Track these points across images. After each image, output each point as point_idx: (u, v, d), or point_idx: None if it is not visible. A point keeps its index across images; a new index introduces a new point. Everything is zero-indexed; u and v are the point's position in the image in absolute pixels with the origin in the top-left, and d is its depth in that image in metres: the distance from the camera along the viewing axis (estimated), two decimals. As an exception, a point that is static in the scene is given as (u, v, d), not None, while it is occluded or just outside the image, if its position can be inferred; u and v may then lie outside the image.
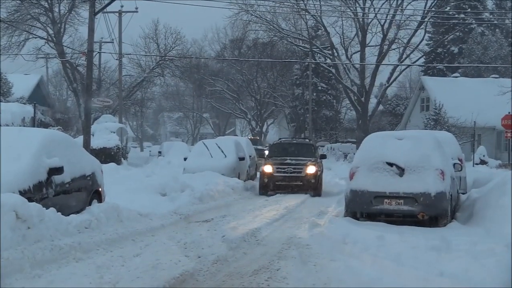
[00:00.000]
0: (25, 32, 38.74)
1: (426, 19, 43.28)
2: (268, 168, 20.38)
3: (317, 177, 20.08)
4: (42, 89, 49.34)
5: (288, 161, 20.51)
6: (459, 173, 14.63)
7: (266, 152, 27.21)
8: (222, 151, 22.45)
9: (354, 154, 23.91)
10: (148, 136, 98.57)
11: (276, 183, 20.15)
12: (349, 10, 42.33)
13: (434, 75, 50.38)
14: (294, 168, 20.14)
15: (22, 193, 8.62)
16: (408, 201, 11.07)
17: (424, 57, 49.94)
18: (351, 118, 57.12)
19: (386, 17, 41.79)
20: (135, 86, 48.14)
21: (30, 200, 8.39)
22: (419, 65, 53.37)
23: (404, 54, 42.99)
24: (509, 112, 28.21)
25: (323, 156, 23.06)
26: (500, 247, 7.93)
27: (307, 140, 25.33)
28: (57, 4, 38.95)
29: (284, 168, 20.20)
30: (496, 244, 8.13)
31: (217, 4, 47.87)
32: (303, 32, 46.23)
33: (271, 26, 44.87)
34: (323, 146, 49.16)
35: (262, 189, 20.36)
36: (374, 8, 41.70)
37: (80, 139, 23.27)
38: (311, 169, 20.05)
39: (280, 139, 24.96)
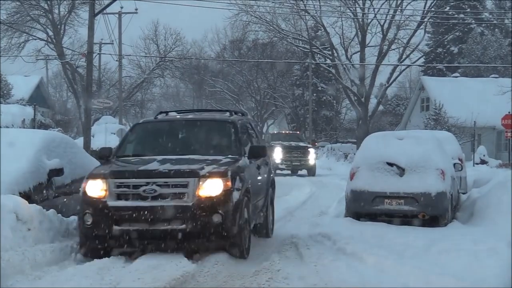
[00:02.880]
0: (25, 34, 38.78)
1: (425, 19, 43.27)
2: (93, 188, 8.30)
3: (232, 207, 8.15)
4: (42, 90, 49.41)
5: (154, 165, 8.51)
6: (460, 173, 14.61)
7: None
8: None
9: (354, 154, 23.89)
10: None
11: (116, 227, 8.09)
12: (348, 10, 42.34)
13: (434, 75, 50.38)
14: (163, 185, 8.15)
15: (23, 194, 8.62)
16: (408, 201, 11.06)
17: (424, 57, 49.94)
18: (351, 118, 57.13)
19: (386, 17, 41.78)
20: (135, 87, 48.26)
21: (30, 201, 8.39)
22: (419, 65, 53.37)
23: (404, 54, 43.01)
24: (509, 112, 28.20)
25: (258, 152, 9.71)
26: (501, 246, 7.94)
27: (224, 115, 10.86)
28: (57, 6, 38.99)
29: (136, 186, 8.18)
30: (497, 243, 8.14)
31: (216, 5, 47.78)
32: (303, 32, 46.20)
33: (271, 27, 44.86)
34: (323, 147, 49.17)
35: (85, 243, 8.33)
36: (374, 9, 41.72)
37: (80, 140, 23.28)
38: (211, 187, 8.15)
39: (158, 114, 10.99)
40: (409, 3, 41.88)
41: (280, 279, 7.27)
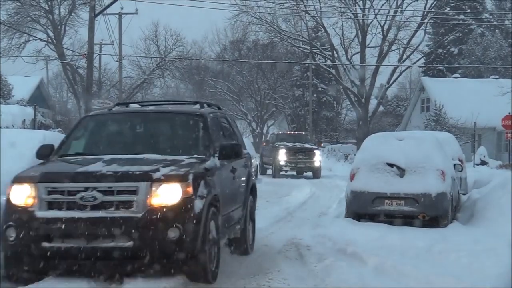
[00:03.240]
0: (25, 34, 38.79)
1: (426, 20, 43.32)
2: (19, 194, 6.73)
3: (193, 219, 6.50)
4: (42, 91, 49.44)
5: (97, 166, 6.84)
6: (460, 174, 14.60)
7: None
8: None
9: (354, 155, 23.90)
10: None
11: (46, 244, 6.47)
12: (349, 11, 42.37)
13: (434, 76, 50.40)
14: (106, 192, 6.51)
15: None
16: (409, 201, 11.07)
17: (424, 58, 49.98)
18: (352, 119, 57.14)
19: (386, 18, 41.83)
20: (136, 87, 48.26)
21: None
22: (419, 66, 53.37)
23: (404, 55, 43.05)
24: (509, 113, 28.20)
25: (231, 151, 7.82)
26: (501, 246, 7.96)
27: (193, 107, 9.08)
28: (57, 6, 39.01)
29: (72, 193, 6.53)
30: (497, 243, 8.16)
31: (217, 6, 47.80)
32: (303, 33, 46.23)
33: (271, 28, 44.90)
34: (324, 147, 49.20)
35: (8, 264, 6.73)
36: (374, 9, 41.76)
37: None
38: (167, 194, 6.52)
39: (114, 105, 10.14)
40: (409, 4, 41.99)
41: (281, 280, 7.28)
